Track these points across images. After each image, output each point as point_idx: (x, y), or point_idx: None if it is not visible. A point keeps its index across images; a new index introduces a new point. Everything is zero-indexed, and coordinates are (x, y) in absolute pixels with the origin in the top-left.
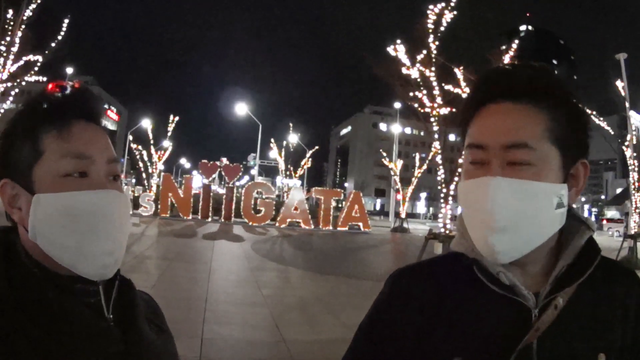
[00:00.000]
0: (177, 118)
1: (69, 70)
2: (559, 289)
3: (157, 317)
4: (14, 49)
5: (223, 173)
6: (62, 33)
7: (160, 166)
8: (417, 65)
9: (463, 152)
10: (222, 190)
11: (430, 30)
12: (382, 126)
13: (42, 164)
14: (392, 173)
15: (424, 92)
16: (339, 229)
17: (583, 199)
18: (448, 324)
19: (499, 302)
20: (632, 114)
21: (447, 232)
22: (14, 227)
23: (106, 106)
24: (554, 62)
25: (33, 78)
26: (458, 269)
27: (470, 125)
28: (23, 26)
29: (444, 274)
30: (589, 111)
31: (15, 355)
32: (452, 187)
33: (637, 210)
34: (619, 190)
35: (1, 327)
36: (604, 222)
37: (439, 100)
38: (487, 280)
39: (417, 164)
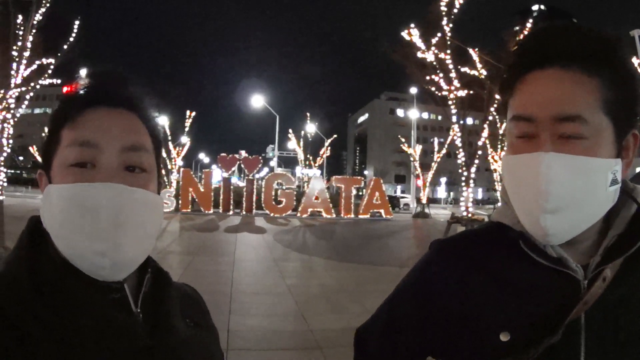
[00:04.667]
0: (193, 113)
1: (83, 72)
2: (608, 261)
3: (197, 313)
4: (26, 53)
5: (242, 166)
6: (74, 35)
7: (179, 162)
8: (432, 48)
9: (504, 125)
10: (242, 183)
11: (444, 13)
12: (400, 112)
13: (57, 154)
14: (412, 159)
15: (441, 75)
16: (360, 216)
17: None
18: (494, 297)
19: (546, 275)
20: None
21: (470, 215)
22: None
23: None
24: None
25: (47, 81)
26: (502, 240)
27: (514, 95)
28: (34, 30)
29: (489, 246)
30: None
31: (34, 346)
32: (472, 170)
33: None
34: (638, 169)
35: (19, 315)
36: None
37: (455, 83)
38: (533, 253)
39: (436, 148)
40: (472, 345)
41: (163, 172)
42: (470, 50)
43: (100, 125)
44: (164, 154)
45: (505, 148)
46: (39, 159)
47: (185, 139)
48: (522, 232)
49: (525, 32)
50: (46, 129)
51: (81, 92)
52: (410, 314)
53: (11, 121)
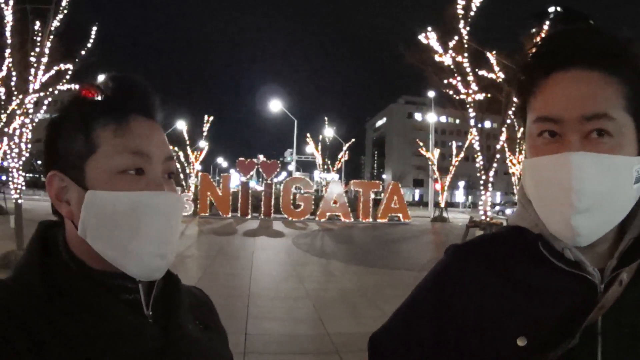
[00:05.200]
0: (211, 118)
1: (101, 77)
2: (625, 264)
3: (206, 314)
4: (44, 59)
5: (261, 170)
6: (92, 40)
7: (198, 166)
8: (450, 51)
9: (525, 128)
10: (260, 187)
11: (461, 16)
12: (417, 116)
13: (97, 159)
14: (430, 163)
15: (458, 78)
16: (379, 220)
17: None
18: (511, 302)
19: (563, 279)
20: None
21: (488, 219)
22: (57, 222)
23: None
24: None
25: (65, 87)
26: (520, 244)
27: (536, 96)
28: (52, 37)
29: (506, 250)
30: None
31: (46, 349)
32: (491, 173)
33: None
34: None
35: (32, 320)
36: None
37: (473, 86)
38: (551, 256)
39: (454, 152)
40: (488, 350)
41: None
42: (488, 54)
43: (147, 135)
44: (182, 158)
45: (524, 151)
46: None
47: (203, 144)
48: (540, 234)
49: (543, 34)
50: (57, 122)
51: (122, 97)
52: (426, 320)
53: (30, 126)
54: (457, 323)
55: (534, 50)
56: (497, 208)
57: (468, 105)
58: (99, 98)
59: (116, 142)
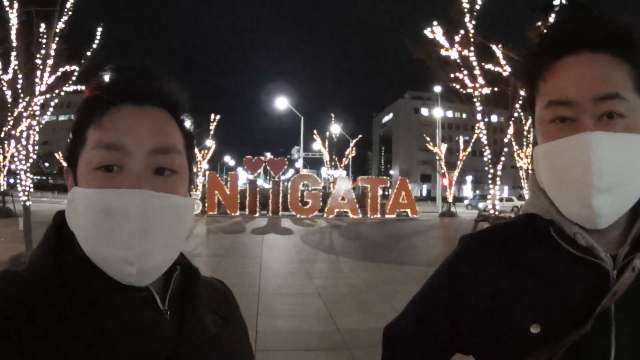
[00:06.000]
0: (218, 116)
1: (107, 78)
2: (637, 250)
3: (225, 308)
4: (50, 61)
5: (268, 167)
6: (97, 41)
7: (205, 165)
8: (456, 46)
9: (536, 114)
10: (268, 185)
11: (466, 10)
12: (424, 111)
13: (82, 155)
14: (437, 158)
15: (465, 72)
16: (387, 216)
17: None
18: (524, 289)
19: (575, 265)
20: None
21: (497, 213)
22: None
23: None
24: None
25: (71, 88)
26: (532, 232)
27: (545, 81)
28: (57, 38)
29: (518, 237)
30: None
31: (58, 342)
32: (498, 167)
33: None
34: None
35: (45, 312)
36: None
37: (480, 80)
38: (563, 242)
39: (462, 146)
40: (502, 338)
41: (195, 170)
42: (494, 47)
43: (127, 125)
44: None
45: (531, 144)
46: (64, 163)
47: (210, 142)
48: (552, 219)
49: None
50: (74, 121)
51: (105, 88)
52: (440, 310)
53: (37, 128)
54: (472, 311)
55: (542, 36)
56: (466, 202)
57: (475, 100)
58: (93, 93)
59: (95, 136)
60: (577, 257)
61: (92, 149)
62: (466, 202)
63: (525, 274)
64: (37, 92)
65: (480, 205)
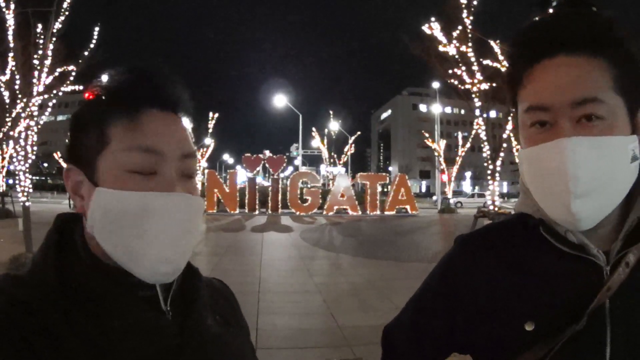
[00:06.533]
0: (216, 115)
1: (104, 78)
2: (630, 245)
3: (227, 308)
4: (48, 61)
5: (267, 165)
6: (94, 41)
7: (204, 163)
8: (454, 42)
9: (512, 119)
10: (267, 183)
11: (464, 5)
12: (422, 107)
13: (107, 155)
14: (436, 154)
15: (463, 68)
16: (386, 213)
17: None
18: (518, 288)
19: (568, 262)
20: None
21: (496, 209)
22: (76, 215)
23: None
24: None
25: (69, 88)
26: (525, 231)
27: (524, 86)
28: (54, 39)
29: (511, 237)
30: None
31: (62, 345)
32: (497, 163)
33: None
34: None
35: (49, 315)
36: None
37: (478, 75)
38: (554, 240)
39: (460, 142)
40: (497, 337)
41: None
42: (492, 43)
43: (162, 131)
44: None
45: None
46: (64, 164)
47: (209, 141)
48: (541, 219)
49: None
50: (78, 116)
51: (135, 89)
52: (437, 310)
53: (35, 129)
54: (468, 311)
55: (517, 40)
56: (435, 198)
57: (473, 95)
58: (113, 91)
59: (126, 138)
60: (569, 254)
61: (126, 151)
62: (434, 198)
63: (519, 273)
64: (35, 93)
65: (452, 201)
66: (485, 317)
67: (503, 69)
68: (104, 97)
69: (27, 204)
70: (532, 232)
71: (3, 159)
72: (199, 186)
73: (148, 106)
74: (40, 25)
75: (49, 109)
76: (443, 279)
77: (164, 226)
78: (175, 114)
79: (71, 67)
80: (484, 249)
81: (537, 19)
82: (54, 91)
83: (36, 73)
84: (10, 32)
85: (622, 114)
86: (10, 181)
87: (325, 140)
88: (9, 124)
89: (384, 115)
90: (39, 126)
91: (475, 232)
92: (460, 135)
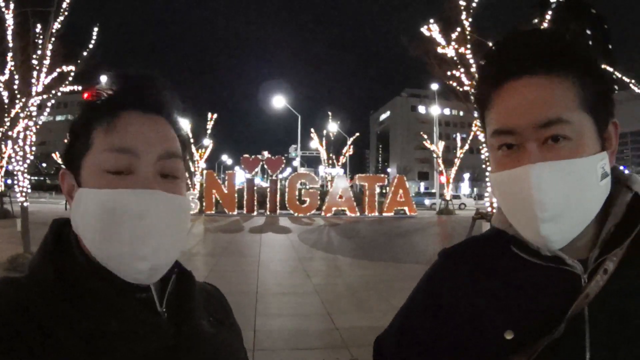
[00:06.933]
0: (215, 116)
1: (103, 78)
2: (608, 252)
3: (220, 311)
4: (46, 61)
5: (265, 166)
6: (93, 41)
7: (202, 164)
8: (452, 43)
9: (485, 140)
10: (265, 184)
11: (463, 7)
12: (421, 109)
13: (89, 157)
14: (435, 155)
15: (462, 70)
16: (384, 214)
17: (626, 172)
18: (498, 299)
19: (545, 273)
20: None
21: (494, 211)
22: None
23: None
24: (588, 32)
25: (68, 88)
26: (502, 244)
27: (490, 108)
28: (53, 39)
29: (490, 250)
30: (627, 80)
31: (60, 347)
32: None
33: None
34: None
35: (46, 318)
36: None
37: (477, 77)
38: (528, 255)
39: (459, 144)
40: (479, 346)
41: (187, 174)
42: (490, 44)
43: (137, 131)
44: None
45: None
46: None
47: (207, 142)
48: (514, 235)
49: (545, 25)
50: (72, 129)
51: (115, 94)
52: (423, 321)
53: (33, 129)
54: (451, 322)
55: (486, 59)
56: (427, 202)
57: (472, 97)
58: (98, 97)
59: (105, 139)
60: (545, 266)
61: (103, 152)
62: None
63: (497, 285)
64: (33, 93)
65: (426, 202)
66: (468, 326)
67: None
68: (91, 103)
69: (25, 204)
70: (507, 246)
71: (1, 159)
72: (198, 187)
73: (129, 109)
74: (39, 26)
75: (48, 109)
76: (427, 291)
77: (135, 223)
78: (159, 116)
79: (70, 67)
80: (465, 262)
81: (503, 38)
82: (53, 91)
83: (35, 73)
84: (9, 32)
85: (589, 132)
86: (9, 181)
87: (324, 142)
88: (8, 124)
89: (383, 116)
90: (38, 126)
91: (457, 245)
92: (458, 136)
